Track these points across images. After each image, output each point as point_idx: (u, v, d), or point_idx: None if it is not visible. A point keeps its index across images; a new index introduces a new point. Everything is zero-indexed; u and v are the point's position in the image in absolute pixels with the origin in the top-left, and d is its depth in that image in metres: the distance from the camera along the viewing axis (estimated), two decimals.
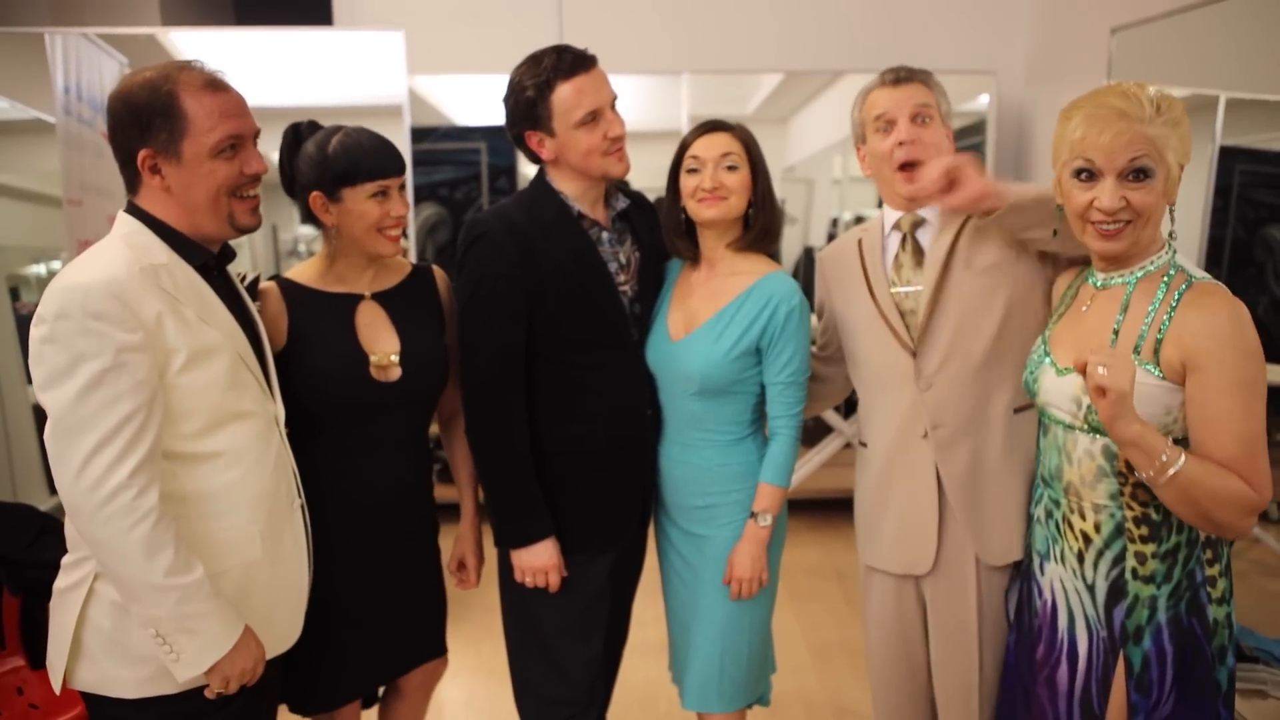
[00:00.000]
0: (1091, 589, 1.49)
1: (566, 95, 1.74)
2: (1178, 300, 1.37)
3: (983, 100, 4.59)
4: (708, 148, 1.81)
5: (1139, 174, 1.35)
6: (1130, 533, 1.44)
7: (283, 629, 1.55)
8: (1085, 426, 1.45)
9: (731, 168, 1.80)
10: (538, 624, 1.89)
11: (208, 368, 1.38)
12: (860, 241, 1.85)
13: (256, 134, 1.45)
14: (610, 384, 1.84)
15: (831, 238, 5.20)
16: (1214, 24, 3.04)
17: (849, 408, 4.37)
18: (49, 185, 3.52)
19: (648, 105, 4.92)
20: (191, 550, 1.35)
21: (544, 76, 1.74)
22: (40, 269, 4.02)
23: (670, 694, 2.69)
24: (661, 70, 4.37)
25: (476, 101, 4.80)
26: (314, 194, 1.69)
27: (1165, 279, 1.40)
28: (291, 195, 1.75)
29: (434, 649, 1.95)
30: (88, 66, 3.50)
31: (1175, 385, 1.36)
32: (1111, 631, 1.47)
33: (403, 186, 1.74)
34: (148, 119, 1.35)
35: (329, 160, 1.66)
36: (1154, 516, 1.42)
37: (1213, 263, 3.43)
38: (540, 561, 1.79)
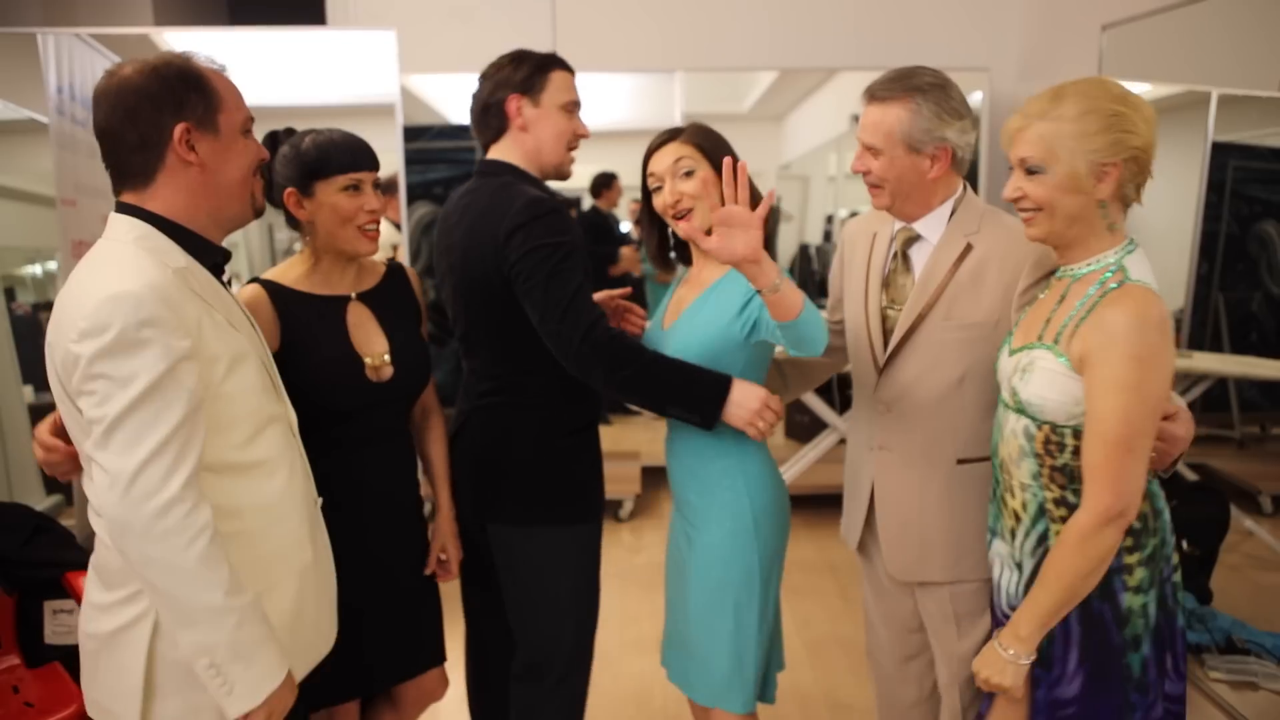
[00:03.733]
0: (1019, 566, 1.53)
1: (562, 79, 1.85)
2: (1101, 298, 1.38)
3: (976, 97, 4.60)
4: (660, 161, 1.82)
5: (1030, 171, 1.42)
6: (1050, 514, 1.47)
7: (327, 631, 1.53)
8: (1013, 405, 1.49)
9: (688, 173, 1.79)
10: (577, 592, 1.92)
11: (244, 373, 1.34)
12: (875, 236, 1.83)
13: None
14: None
15: (828, 235, 5.21)
16: (1204, 20, 3.05)
17: (844, 404, 4.38)
18: (42, 185, 3.52)
19: (640, 104, 4.93)
20: (253, 565, 1.30)
21: (549, 57, 1.85)
22: (36, 269, 4.02)
23: (664, 690, 2.71)
24: (654, 69, 4.37)
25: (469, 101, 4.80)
26: (288, 190, 1.71)
27: (1104, 278, 1.41)
28: (272, 201, 1.75)
29: (434, 653, 1.95)
30: (81, 66, 3.50)
31: (1081, 377, 1.39)
32: (1015, 603, 1.52)
33: (378, 184, 1.77)
34: (182, 93, 1.27)
35: (301, 155, 1.70)
36: (1071, 499, 1.44)
37: (1206, 257, 3.45)
38: (755, 393, 1.69)
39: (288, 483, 1.41)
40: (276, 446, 1.40)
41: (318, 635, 1.50)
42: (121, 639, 1.29)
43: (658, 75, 4.41)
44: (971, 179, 4.57)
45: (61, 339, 1.21)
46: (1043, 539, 1.49)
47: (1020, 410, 1.48)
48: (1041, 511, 1.48)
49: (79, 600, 2.05)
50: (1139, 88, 3.40)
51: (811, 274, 5.30)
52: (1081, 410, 1.40)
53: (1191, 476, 3.31)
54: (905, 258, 1.74)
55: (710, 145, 1.81)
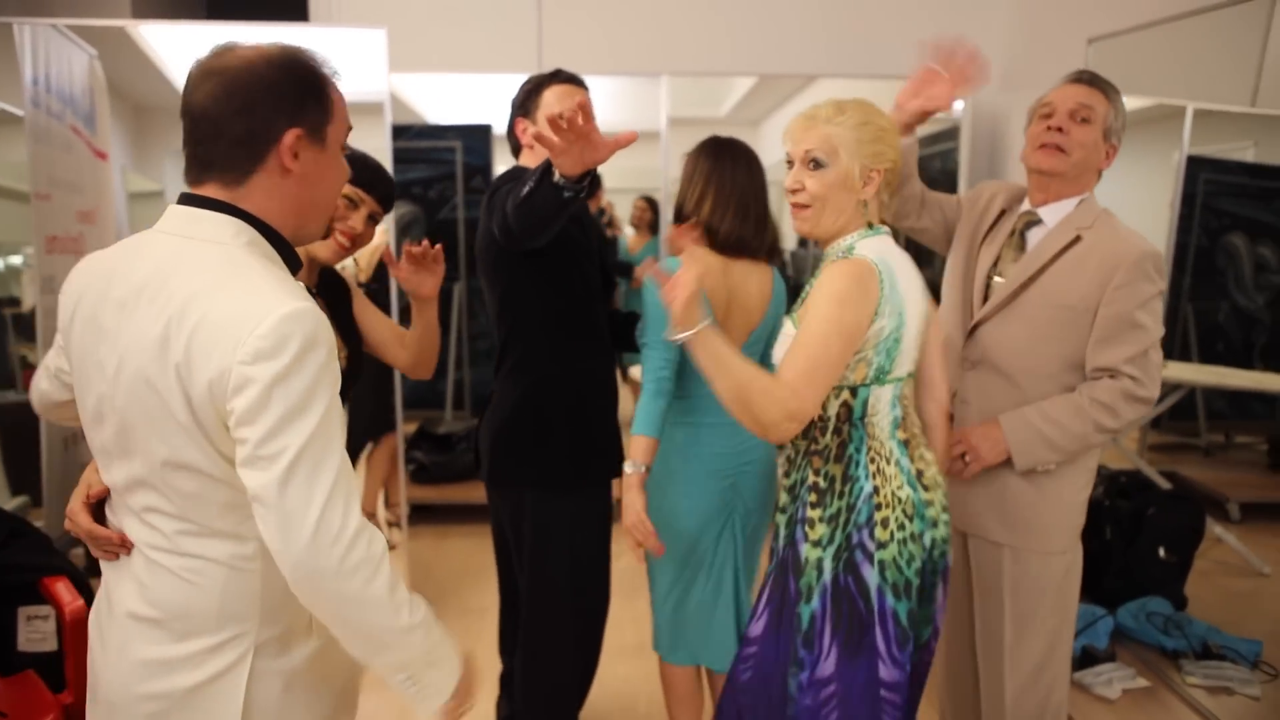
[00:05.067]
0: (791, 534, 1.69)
1: (554, 95, 2.05)
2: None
3: (957, 107, 4.64)
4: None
5: (814, 163, 1.59)
6: (781, 465, 1.70)
7: None
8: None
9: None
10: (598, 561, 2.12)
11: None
12: (1004, 213, 1.98)
13: None
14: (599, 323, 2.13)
15: (803, 241, 5.23)
16: (1183, 36, 3.10)
17: None
18: (14, 179, 3.45)
19: (625, 106, 4.93)
20: None
21: (542, 79, 2.09)
22: None
23: (650, 695, 2.69)
24: (640, 72, 4.37)
25: (453, 100, 4.77)
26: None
27: (836, 257, 1.60)
28: None
29: None
30: (57, 58, 3.43)
31: None
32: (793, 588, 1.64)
33: (375, 219, 1.80)
34: (303, 95, 1.15)
35: None
36: (791, 454, 1.66)
37: (1178, 269, 3.50)
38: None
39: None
40: None
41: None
42: (209, 693, 1.16)
43: (639, 78, 4.40)
44: (950, 188, 4.65)
45: (212, 362, 1.05)
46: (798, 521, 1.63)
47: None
48: (796, 494, 1.65)
49: (57, 606, 2.01)
50: (1142, 102, 3.45)
51: (787, 279, 5.31)
52: None
53: (1165, 485, 3.36)
54: (1022, 237, 1.91)
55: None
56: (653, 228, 4.50)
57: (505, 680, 2.46)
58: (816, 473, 1.59)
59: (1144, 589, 2.88)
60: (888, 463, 1.56)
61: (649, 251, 4.49)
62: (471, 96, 4.73)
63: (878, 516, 1.54)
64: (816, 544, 1.56)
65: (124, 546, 1.19)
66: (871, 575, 1.53)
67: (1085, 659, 2.64)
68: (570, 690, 2.17)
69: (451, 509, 4.28)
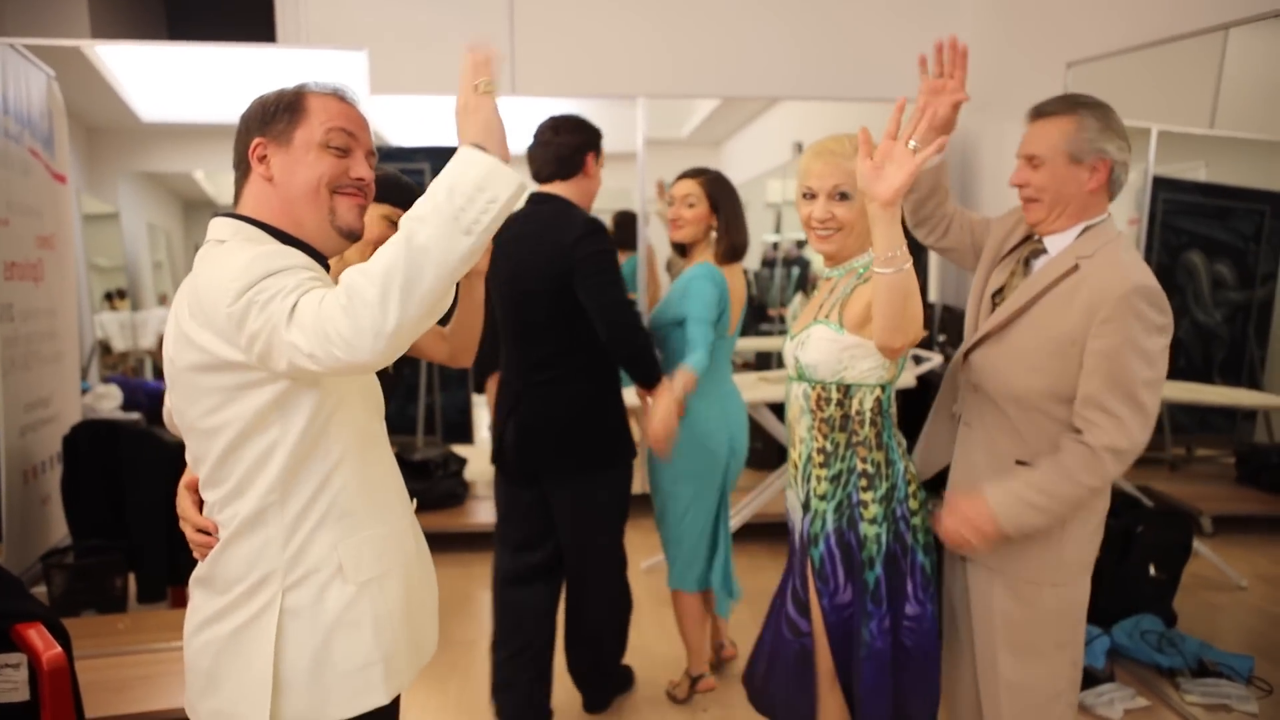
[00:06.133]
0: (805, 506, 1.92)
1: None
2: (858, 282, 1.83)
3: None
4: (677, 188, 2.70)
5: (841, 195, 1.82)
6: (814, 459, 1.89)
7: (431, 635, 1.54)
8: (796, 376, 1.92)
9: (690, 204, 2.66)
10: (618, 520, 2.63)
11: None
12: (1028, 237, 1.91)
13: (371, 154, 1.41)
14: None
15: (767, 262, 5.25)
16: (1151, 61, 3.18)
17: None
18: None
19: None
20: (368, 545, 1.35)
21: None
22: None
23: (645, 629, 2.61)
24: (617, 94, 4.35)
25: (419, 123, 4.70)
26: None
27: (859, 273, 1.85)
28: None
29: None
30: (14, 78, 3.30)
31: (851, 337, 1.79)
32: (803, 537, 1.92)
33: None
34: (273, 113, 1.34)
35: None
36: (829, 449, 1.87)
37: None
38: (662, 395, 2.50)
39: (392, 464, 1.48)
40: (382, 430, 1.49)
41: (424, 637, 1.50)
42: (245, 636, 1.30)
43: (611, 101, 4.39)
44: None
45: (213, 315, 1.20)
46: (806, 480, 1.91)
47: (800, 376, 1.90)
48: (809, 459, 1.90)
49: (31, 653, 1.89)
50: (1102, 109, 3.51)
51: (750, 299, 5.32)
52: (843, 367, 1.82)
53: (1144, 501, 3.39)
54: (1027, 265, 1.87)
55: (716, 192, 2.68)
56: (628, 244, 4.50)
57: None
58: (863, 460, 1.85)
59: (1135, 607, 2.89)
60: (900, 445, 1.89)
61: (628, 267, 4.49)
62: (438, 118, 4.68)
63: (910, 490, 1.87)
64: (873, 521, 1.84)
65: (212, 540, 1.34)
66: (909, 537, 1.86)
67: (1085, 679, 2.63)
68: (626, 625, 2.74)
69: (432, 538, 4.15)
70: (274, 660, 1.28)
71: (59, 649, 1.84)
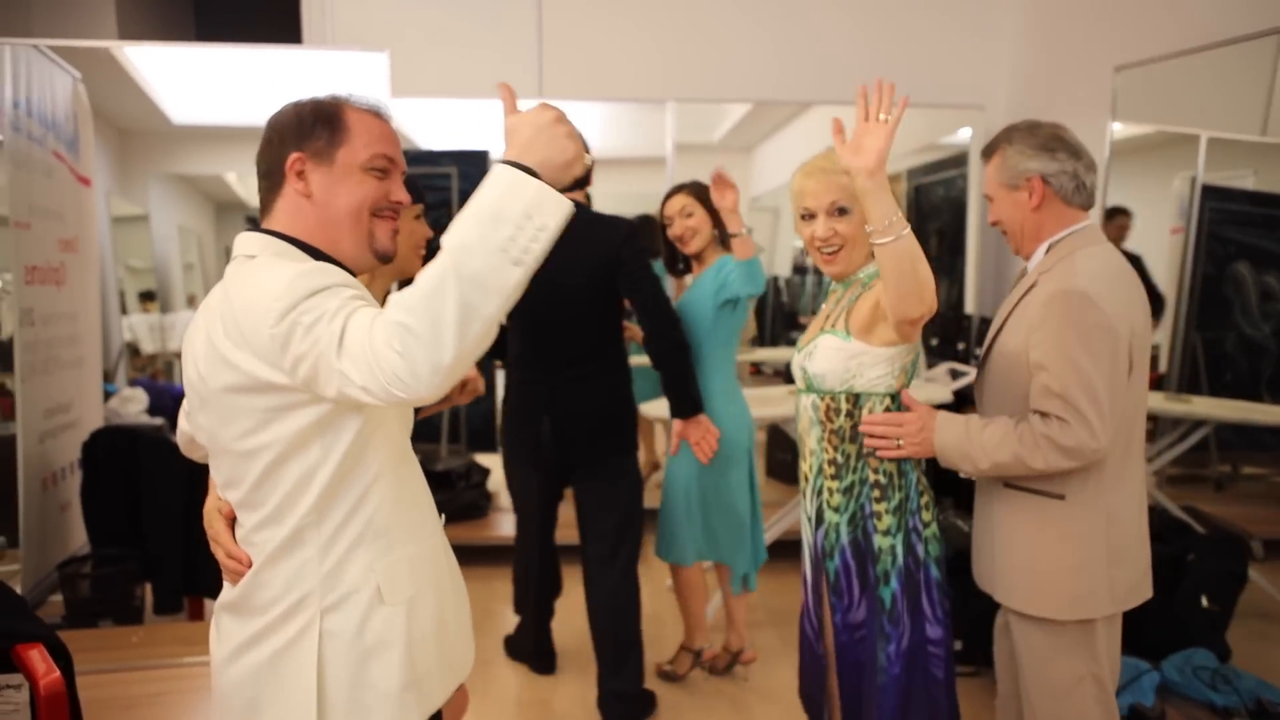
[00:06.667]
0: (812, 520, 1.91)
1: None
2: (862, 290, 1.84)
3: (965, 134, 4.58)
4: (670, 207, 2.87)
5: (840, 211, 1.82)
6: (825, 470, 1.87)
7: (466, 653, 1.52)
8: (805, 388, 1.91)
9: (688, 215, 2.83)
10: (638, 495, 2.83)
11: None
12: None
13: (404, 173, 1.40)
14: None
15: (798, 268, 5.15)
16: (1200, 67, 3.10)
17: None
18: None
19: (625, 132, 4.83)
20: (400, 565, 1.32)
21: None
22: None
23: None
24: (647, 98, 4.28)
25: (447, 126, 4.66)
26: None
27: (864, 283, 1.85)
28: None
29: None
30: (39, 80, 3.28)
31: (858, 344, 1.79)
32: (817, 551, 1.90)
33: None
34: (310, 125, 1.29)
35: None
36: (840, 460, 1.85)
37: (1190, 297, 3.49)
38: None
39: (422, 480, 1.45)
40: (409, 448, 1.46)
41: (459, 655, 1.47)
42: (286, 660, 1.28)
43: (638, 105, 4.31)
44: (960, 214, 4.58)
45: (254, 340, 1.17)
46: (818, 493, 1.88)
47: (809, 388, 1.89)
48: (820, 469, 1.88)
49: (31, 676, 1.84)
50: (1144, 128, 3.45)
51: (781, 305, 5.23)
52: (851, 375, 1.81)
53: (1184, 518, 3.25)
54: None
55: (705, 197, 2.81)
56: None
57: None
58: (875, 471, 1.82)
59: (1186, 640, 2.74)
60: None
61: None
62: (466, 122, 4.64)
63: (922, 501, 1.84)
64: (886, 533, 1.81)
65: (243, 568, 1.30)
66: (921, 551, 1.82)
67: (1134, 718, 2.50)
68: (639, 604, 2.84)
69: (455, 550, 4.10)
70: (318, 683, 1.26)
71: (57, 673, 1.79)
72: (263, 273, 1.20)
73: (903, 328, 1.67)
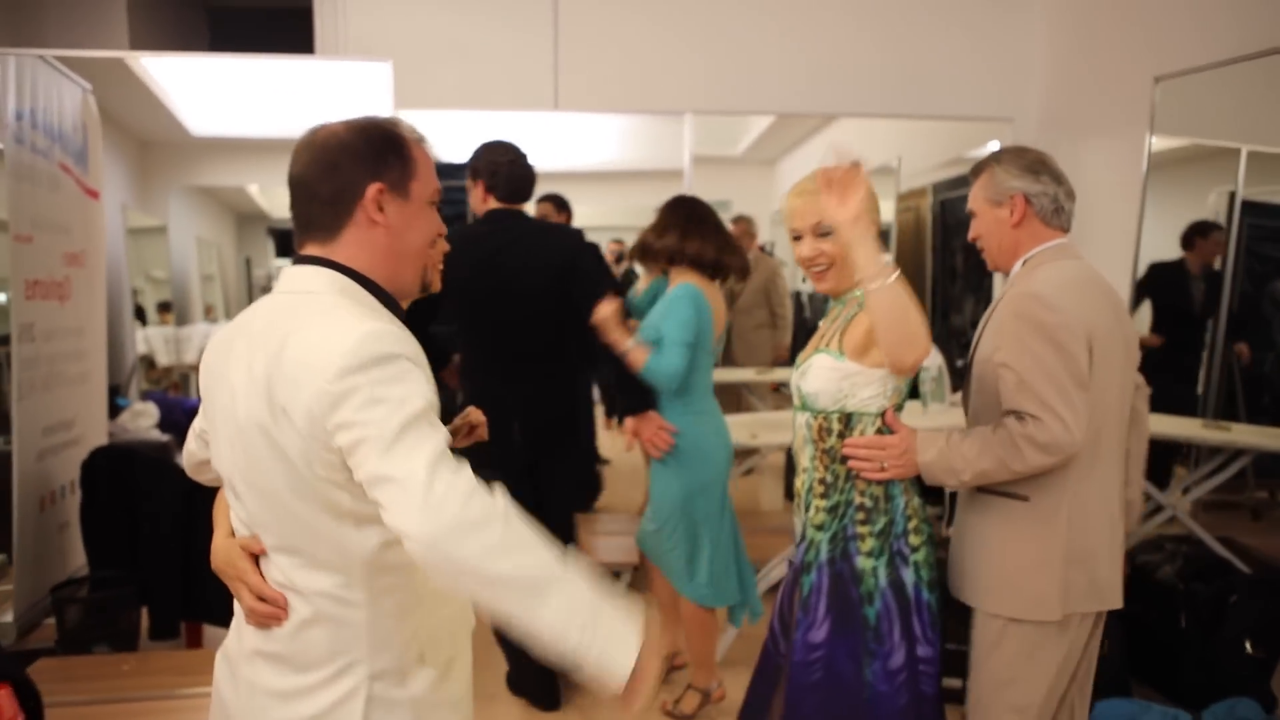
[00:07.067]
0: (800, 534, 1.95)
1: None
2: (858, 310, 1.83)
3: (993, 147, 4.44)
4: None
5: (824, 233, 1.86)
6: (814, 489, 1.89)
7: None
8: (800, 406, 1.93)
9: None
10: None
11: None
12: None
13: None
14: None
15: None
16: (1239, 79, 3.00)
17: None
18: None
19: (643, 145, 4.76)
20: (441, 628, 1.33)
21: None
22: None
23: None
24: (664, 110, 4.20)
25: (465, 138, 4.59)
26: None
27: (860, 301, 1.83)
28: None
29: None
30: (45, 91, 3.23)
31: (852, 364, 1.81)
32: (796, 566, 1.93)
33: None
34: (382, 153, 1.27)
35: None
36: (829, 480, 1.87)
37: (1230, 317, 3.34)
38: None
39: None
40: None
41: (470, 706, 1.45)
42: (334, 716, 1.25)
43: (657, 117, 4.24)
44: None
45: (304, 390, 1.14)
46: (806, 509, 1.91)
47: (803, 406, 1.91)
48: (810, 489, 1.90)
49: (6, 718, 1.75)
50: (1181, 141, 3.36)
51: (804, 321, 5.12)
52: (844, 395, 1.83)
53: (1221, 552, 3.09)
54: None
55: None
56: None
57: None
58: (862, 494, 1.84)
59: (1229, 688, 2.59)
60: (903, 479, 1.84)
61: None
62: (485, 134, 4.58)
63: (910, 525, 1.84)
64: (869, 555, 1.83)
65: (283, 611, 1.25)
66: (909, 575, 1.83)
67: None
68: None
69: None
70: None
71: (22, 717, 1.70)
72: (327, 320, 1.18)
73: (897, 369, 1.71)
